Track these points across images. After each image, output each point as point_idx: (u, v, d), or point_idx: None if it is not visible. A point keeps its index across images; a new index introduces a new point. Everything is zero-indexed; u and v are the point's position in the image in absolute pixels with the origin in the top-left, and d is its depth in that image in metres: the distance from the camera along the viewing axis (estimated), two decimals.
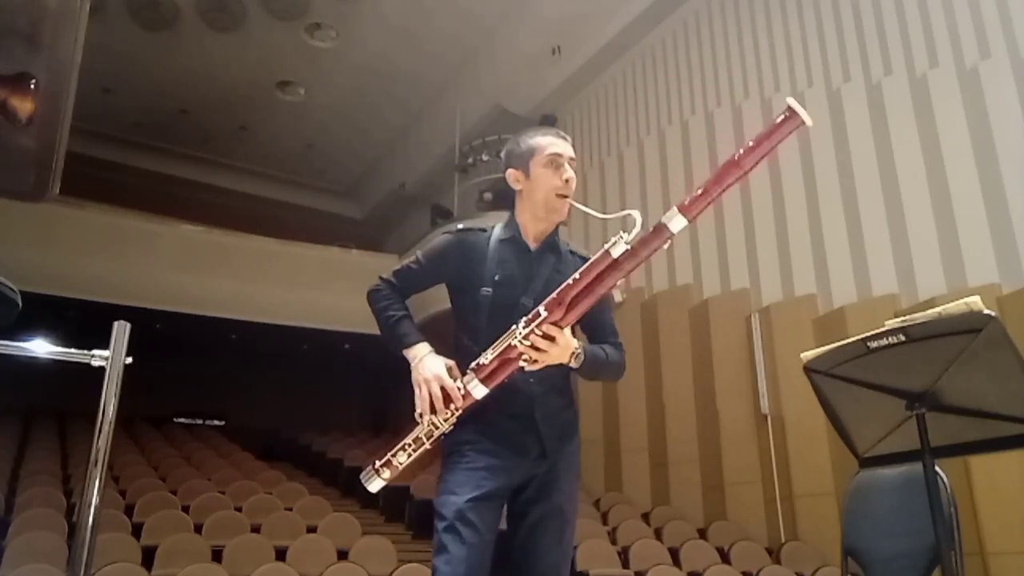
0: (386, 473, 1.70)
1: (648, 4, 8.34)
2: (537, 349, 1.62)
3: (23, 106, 0.91)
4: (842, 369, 1.65)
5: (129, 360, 1.67)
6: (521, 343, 1.62)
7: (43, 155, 0.96)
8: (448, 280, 1.88)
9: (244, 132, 12.25)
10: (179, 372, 11.09)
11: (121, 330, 1.69)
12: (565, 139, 1.87)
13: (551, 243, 1.87)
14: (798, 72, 7.16)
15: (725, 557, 5.48)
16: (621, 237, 1.61)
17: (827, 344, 1.67)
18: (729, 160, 1.59)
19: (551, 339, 1.62)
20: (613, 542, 5.71)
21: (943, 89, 5.92)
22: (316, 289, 10.20)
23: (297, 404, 12.03)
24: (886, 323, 1.56)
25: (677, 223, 1.60)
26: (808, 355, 1.71)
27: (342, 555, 4.82)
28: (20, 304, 1.16)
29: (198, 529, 5.15)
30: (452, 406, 1.66)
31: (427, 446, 1.67)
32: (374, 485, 1.73)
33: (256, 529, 5.30)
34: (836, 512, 5.18)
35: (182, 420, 11.65)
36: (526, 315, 1.66)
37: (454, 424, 1.68)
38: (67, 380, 4.24)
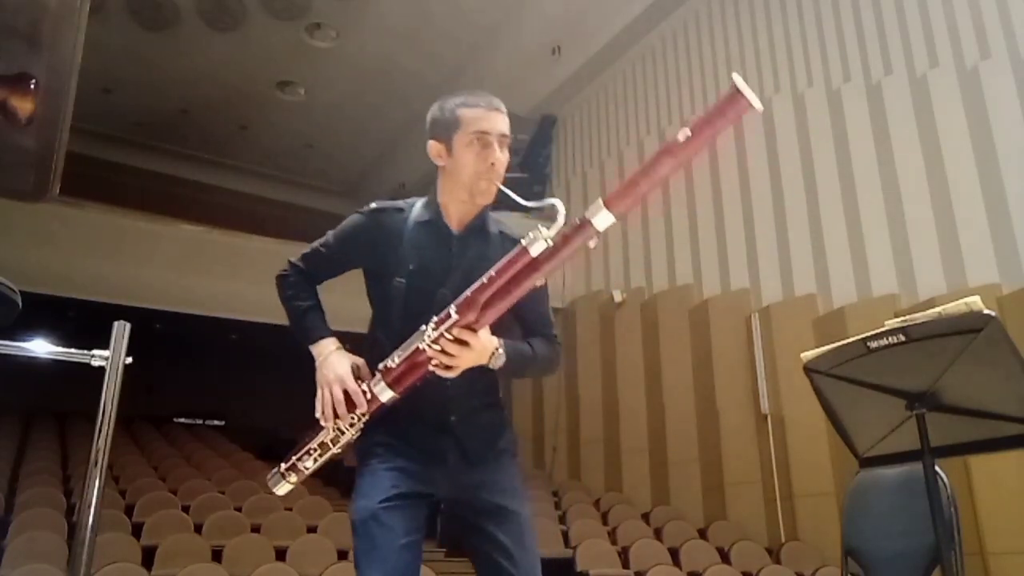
0: (292, 477, 1.57)
1: (648, 4, 8.34)
2: (447, 354, 1.46)
3: (23, 106, 0.91)
4: (842, 369, 1.65)
5: (129, 360, 1.67)
6: (430, 347, 1.46)
7: (43, 155, 0.96)
8: (361, 265, 1.70)
9: (244, 132, 12.25)
10: (179, 372, 11.09)
11: (121, 330, 1.69)
12: (498, 110, 1.62)
13: (477, 226, 1.66)
14: (798, 72, 7.16)
15: (725, 557, 5.48)
16: (540, 232, 1.41)
17: (827, 344, 1.67)
18: (664, 148, 1.40)
19: (463, 343, 1.45)
20: (613, 542, 5.71)
21: (943, 89, 5.92)
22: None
23: (297, 404, 11.96)
24: (886, 323, 1.56)
25: (602, 219, 1.39)
26: (808, 355, 1.71)
27: (342, 555, 4.81)
28: (20, 304, 1.16)
29: (198, 529, 5.14)
30: (357, 411, 1.51)
31: (334, 451, 1.54)
32: (280, 489, 1.59)
33: (256, 529, 5.30)
34: (836, 512, 5.18)
35: (182, 420, 11.65)
36: (446, 306, 1.48)
37: (361, 430, 1.53)
38: (67, 380, 4.24)
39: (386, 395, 1.50)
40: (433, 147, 1.65)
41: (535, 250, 1.42)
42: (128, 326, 1.70)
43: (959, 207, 5.66)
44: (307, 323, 1.65)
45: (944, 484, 1.89)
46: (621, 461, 7.67)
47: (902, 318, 1.55)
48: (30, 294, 1.53)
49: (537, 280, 1.47)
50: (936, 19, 6.10)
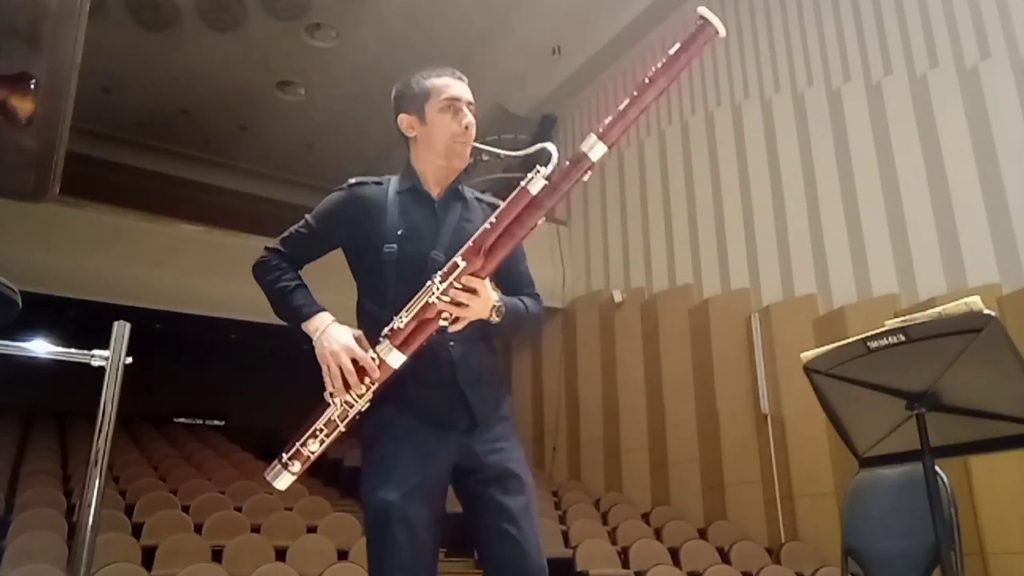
0: (295, 466, 1.50)
1: (648, 4, 8.33)
2: (459, 304, 1.45)
3: (23, 106, 0.91)
4: (842, 369, 1.65)
5: (129, 360, 1.67)
6: (440, 299, 1.44)
7: (43, 155, 0.96)
8: (344, 242, 1.67)
9: (244, 132, 12.25)
10: (179, 372, 11.10)
11: (121, 330, 1.69)
12: (462, 79, 1.71)
13: (455, 191, 1.71)
14: (798, 72, 7.16)
15: (725, 557, 5.48)
16: (538, 172, 1.46)
17: (827, 344, 1.67)
18: (644, 81, 1.49)
19: (472, 291, 1.46)
20: (613, 542, 5.71)
21: (943, 89, 5.92)
22: (316, 288, 10.10)
23: (297, 404, 11.94)
24: (886, 323, 1.56)
25: (597, 151, 1.47)
26: (808, 355, 1.71)
27: (342, 555, 4.81)
28: (20, 304, 1.16)
29: (198, 529, 5.14)
30: (367, 380, 1.46)
31: (341, 428, 1.48)
32: (282, 482, 1.51)
33: (256, 529, 5.30)
34: (836, 512, 5.18)
35: (182, 420, 11.65)
36: (439, 269, 1.48)
37: (370, 401, 1.48)
38: (67, 380, 4.24)
39: (396, 359, 1.46)
40: (404, 120, 1.70)
41: (534, 188, 1.45)
42: (128, 326, 1.70)
43: (959, 207, 5.66)
44: (295, 301, 1.60)
45: (944, 484, 1.89)
46: (621, 461, 7.67)
47: (902, 318, 1.55)
48: (30, 294, 1.53)
49: (539, 217, 1.48)
50: (936, 19, 6.10)
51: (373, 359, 1.47)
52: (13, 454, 7.56)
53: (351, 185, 1.70)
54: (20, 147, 0.94)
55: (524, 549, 1.53)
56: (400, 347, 1.46)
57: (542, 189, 1.45)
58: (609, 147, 1.46)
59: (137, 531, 5.06)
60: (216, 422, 12.14)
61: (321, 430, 1.49)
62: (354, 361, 1.47)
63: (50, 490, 5.82)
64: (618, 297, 8.24)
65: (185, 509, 5.60)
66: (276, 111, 11.55)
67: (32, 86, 0.91)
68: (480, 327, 1.54)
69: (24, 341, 1.66)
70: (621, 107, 1.46)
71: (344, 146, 12.56)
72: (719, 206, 7.43)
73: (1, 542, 4.48)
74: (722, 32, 1.43)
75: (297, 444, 1.50)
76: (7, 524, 4.82)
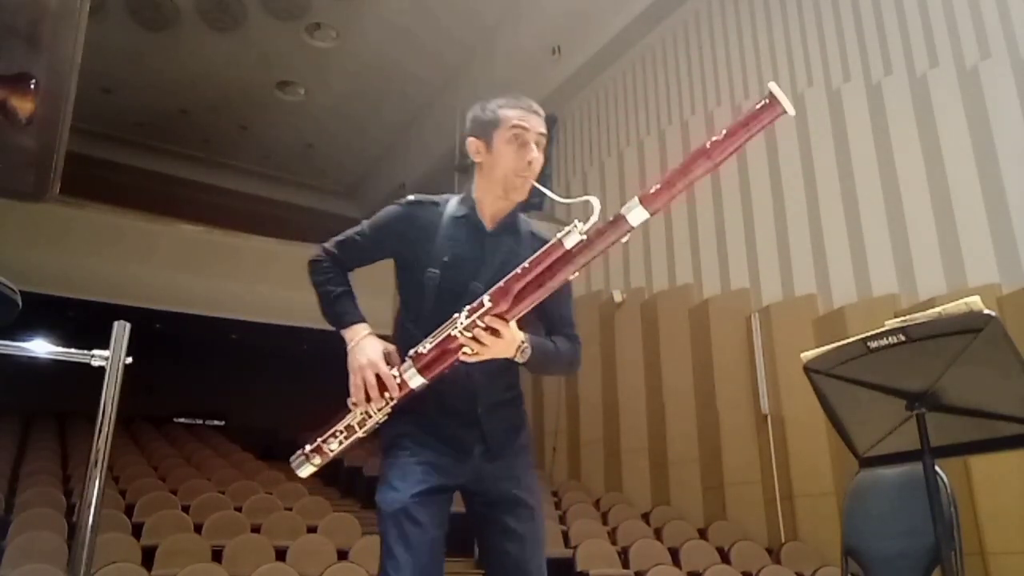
0: (316, 459, 1.61)
1: (648, 4, 8.33)
2: (478, 342, 1.50)
3: (23, 106, 0.91)
4: (842, 369, 1.66)
5: (129, 360, 1.67)
6: (462, 334, 1.50)
7: (43, 155, 0.96)
8: (394, 255, 1.73)
9: (244, 132, 12.25)
10: (179, 372, 11.10)
11: (121, 330, 1.69)
12: (537, 113, 1.70)
13: (509, 224, 1.73)
14: (798, 72, 7.16)
15: (725, 557, 5.48)
16: (576, 227, 1.47)
17: (827, 344, 1.67)
18: (699, 149, 1.43)
19: (494, 332, 1.50)
20: (613, 542, 5.71)
21: (943, 89, 5.92)
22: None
23: (297, 404, 12.02)
24: (886, 323, 1.57)
25: (637, 215, 1.45)
26: (808, 355, 1.71)
27: (342, 555, 4.81)
28: (20, 304, 1.16)
29: (198, 529, 5.14)
30: (387, 395, 1.55)
31: (360, 434, 1.58)
32: (304, 471, 1.63)
33: (256, 529, 5.30)
34: (836, 512, 5.18)
35: (182, 420, 11.66)
36: (477, 299, 1.53)
37: (388, 414, 1.58)
38: (67, 380, 4.24)
39: (416, 381, 1.54)
40: (472, 144, 1.71)
41: (569, 242, 1.48)
42: (128, 326, 1.70)
43: (959, 207, 5.65)
44: (339, 308, 1.69)
45: (944, 484, 1.89)
46: (621, 461, 7.67)
47: (902, 318, 1.55)
48: (30, 294, 1.53)
49: (570, 273, 1.51)
50: (936, 19, 6.10)
51: (395, 377, 1.55)
52: (13, 454, 7.57)
53: (409, 202, 1.73)
54: (20, 147, 0.94)
55: (528, 572, 1.62)
56: (421, 370, 1.54)
57: (576, 244, 1.47)
58: (651, 214, 1.45)
59: (137, 531, 5.06)
60: (216, 422, 12.15)
61: (341, 432, 1.59)
62: (378, 376, 1.55)
63: (50, 490, 5.82)
64: (618, 297, 8.24)
65: (185, 509, 5.60)
66: (276, 111, 11.56)
67: (32, 86, 0.91)
68: (504, 361, 1.58)
69: (24, 341, 1.66)
70: (669, 176, 1.45)
71: (344, 146, 12.56)
72: (719, 206, 7.43)
73: (1, 542, 4.48)
74: (791, 113, 1.37)
75: (319, 441, 1.61)
76: (7, 524, 4.82)
